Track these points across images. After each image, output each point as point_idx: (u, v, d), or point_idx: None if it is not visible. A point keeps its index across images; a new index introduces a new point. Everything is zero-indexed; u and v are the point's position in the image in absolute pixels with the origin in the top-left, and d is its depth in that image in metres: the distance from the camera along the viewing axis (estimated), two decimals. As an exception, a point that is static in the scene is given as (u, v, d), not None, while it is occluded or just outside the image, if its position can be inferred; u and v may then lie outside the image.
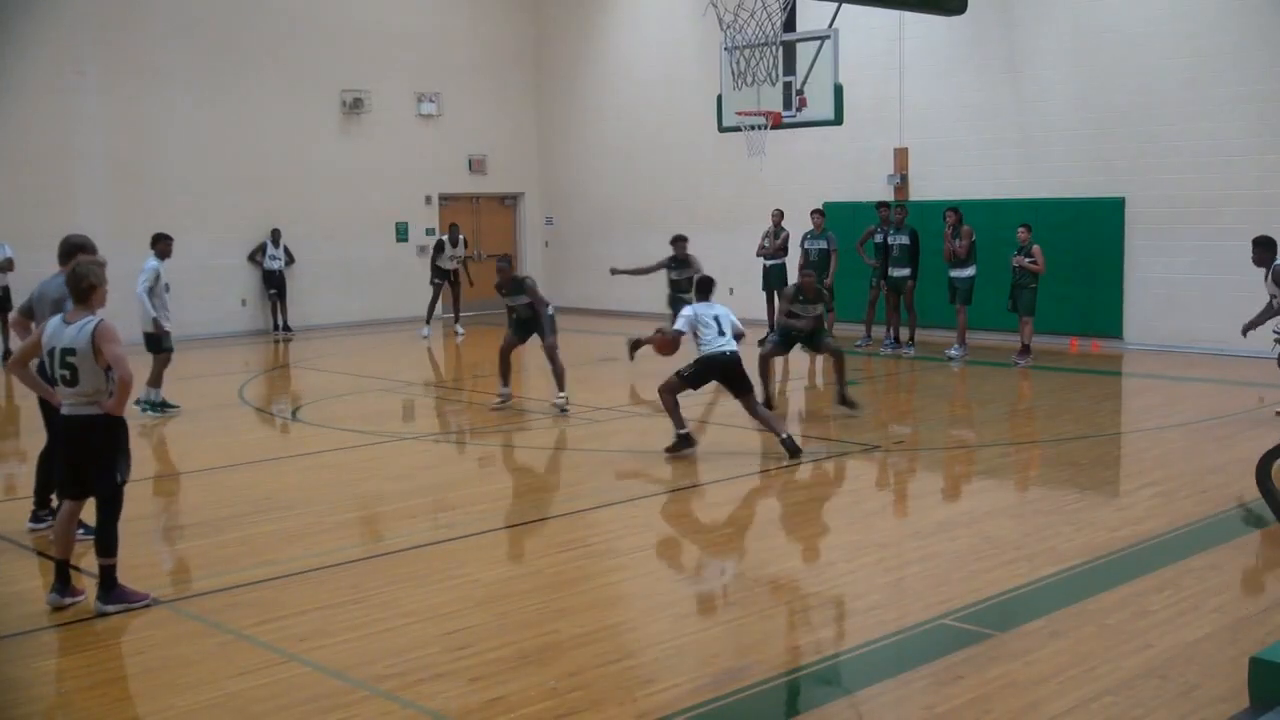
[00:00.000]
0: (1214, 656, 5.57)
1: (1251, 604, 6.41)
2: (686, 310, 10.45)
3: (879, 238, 16.81)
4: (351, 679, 5.51)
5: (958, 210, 15.91)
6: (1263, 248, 11.39)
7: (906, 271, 16.34)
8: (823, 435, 11.79)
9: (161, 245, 12.67)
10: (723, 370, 10.24)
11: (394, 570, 7.20)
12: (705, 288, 10.61)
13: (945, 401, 13.41)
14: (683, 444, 10.23)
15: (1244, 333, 11.63)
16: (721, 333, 10.21)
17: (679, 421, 10.25)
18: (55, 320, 6.54)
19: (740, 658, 5.74)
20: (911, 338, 16.56)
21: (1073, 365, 15.26)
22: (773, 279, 17.32)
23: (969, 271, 15.72)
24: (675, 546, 7.80)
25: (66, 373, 6.37)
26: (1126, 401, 13.23)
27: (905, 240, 16.33)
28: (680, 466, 10.01)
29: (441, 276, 19.91)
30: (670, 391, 10.32)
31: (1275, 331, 11.12)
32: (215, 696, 5.35)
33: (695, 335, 10.34)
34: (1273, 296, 11.30)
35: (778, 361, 13.61)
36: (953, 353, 15.89)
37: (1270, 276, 11.21)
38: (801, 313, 12.36)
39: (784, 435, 10.17)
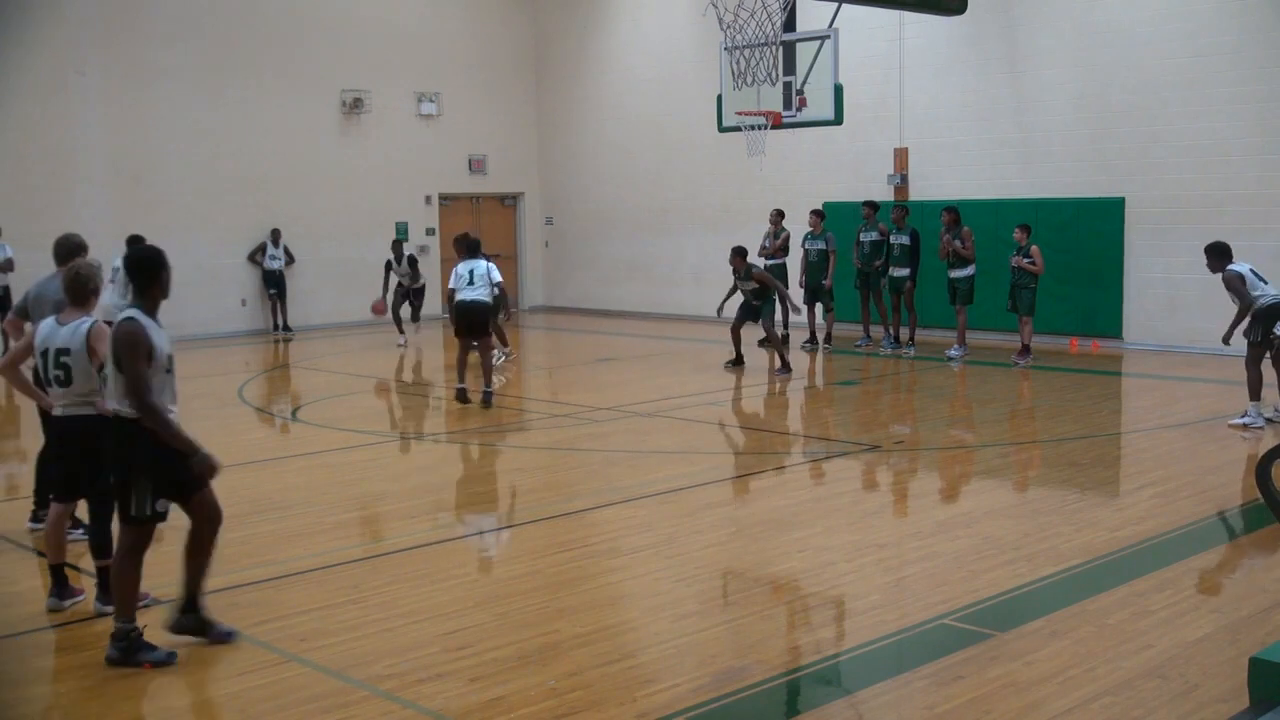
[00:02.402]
0: (1214, 656, 5.57)
1: (1251, 604, 6.41)
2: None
3: (863, 236, 16.81)
4: (351, 679, 5.51)
5: (953, 210, 15.91)
6: (1213, 255, 11.27)
7: (906, 271, 16.33)
8: (822, 435, 11.79)
9: None
10: (460, 313, 12.57)
11: (394, 570, 7.20)
12: (468, 246, 12.87)
13: (945, 401, 13.40)
14: (460, 396, 12.70)
15: (1225, 341, 11.46)
16: (471, 283, 12.47)
17: (460, 377, 12.84)
18: (48, 321, 6.51)
19: (740, 658, 5.73)
20: (911, 338, 16.56)
21: (1073, 365, 15.26)
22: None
23: (968, 271, 15.70)
24: (675, 546, 7.79)
25: (60, 373, 6.36)
26: (1126, 401, 13.23)
27: (906, 240, 16.32)
28: (680, 466, 10.01)
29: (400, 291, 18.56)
30: (460, 349, 12.86)
31: (1275, 334, 11.09)
32: (215, 696, 5.35)
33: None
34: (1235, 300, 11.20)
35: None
36: (953, 353, 15.89)
37: (1225, 283, 11.16)
38: (741, 287, 15.13)
39: (487, 389, 12.72)
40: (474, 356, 13.05)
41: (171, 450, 5.70)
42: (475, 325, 12.61)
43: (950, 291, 15.92)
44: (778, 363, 14.94)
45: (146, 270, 5.84)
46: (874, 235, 16.72)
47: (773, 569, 7.14)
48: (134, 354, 5.61)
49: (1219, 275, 11.21)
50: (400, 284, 18.50)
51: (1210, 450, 10.11)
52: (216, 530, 6.06)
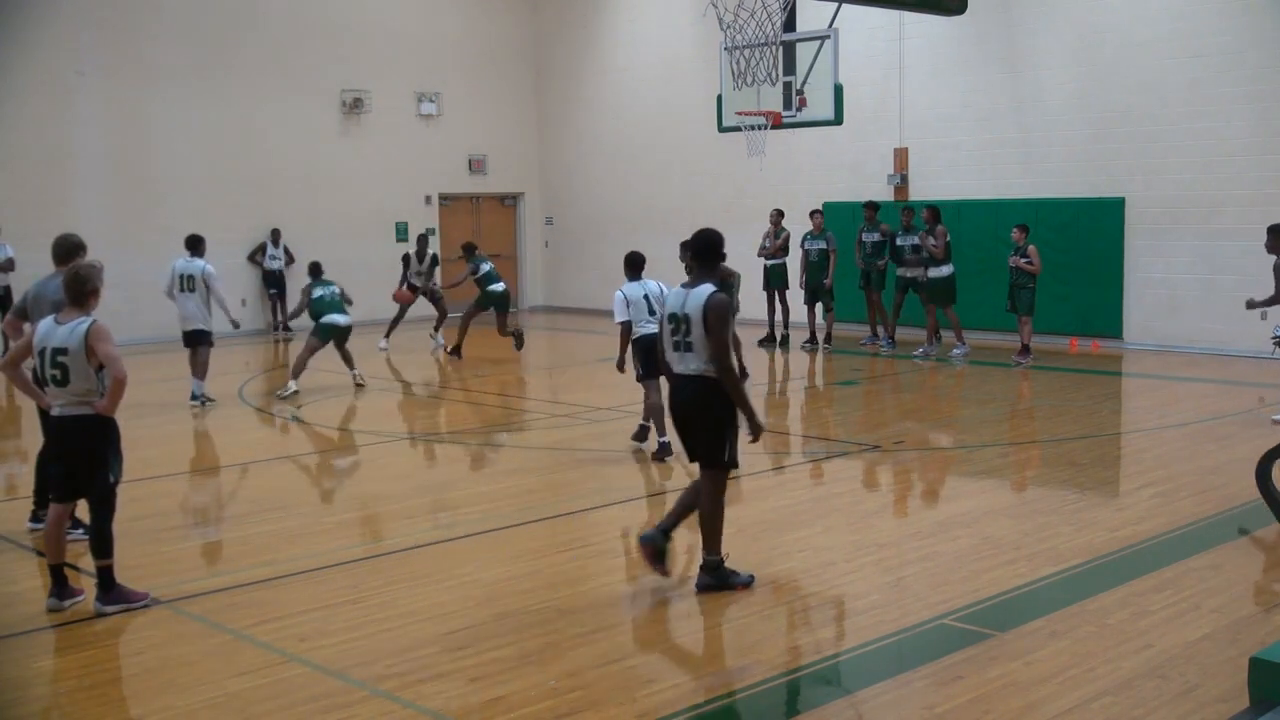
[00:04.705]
0: (1214, 656, 5.57)
1: (1251, 604, 6.41)
2: (618, 295, 10.26)
3: (865, 236, 16.85)
4: (351, 679, 5.51)
5: (933, 208, 15.99)
6: (1275, 235, 11.29)
7: (919, 271, 16.25)
8: (822, 435, 11.79)
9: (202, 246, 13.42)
10: (649, 351, 9.90)
11: (393, 570, 7.20)
12: (635, 264, 10.45)
13: (945, 401, 13.40)
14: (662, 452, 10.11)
15: (1249, 306, 11.54)
16: (651, 311, 10.06)
17: (660, 427, 10.17)
18: (47, 321, 6.50)
19: (740, 658, 5.73)
20: (935, 337, 16.41)
21: (1073, 365, 15.25)
22: (773, 279, 17.34)
23: (944, 271, 15.73)
24: (675, 546, 7.79)
25: (57, 373, 6.35)
26: (1126, 401, 13.22)
27: (915, 240, 16.27)
28: (680, 466, 10.00)
29: (414, 291, 18.18)
30: (648, 391, 10.23)
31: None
32: (215, 696, 5.35)
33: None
34: None
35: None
36: (955, 352, 15.89)
37: (1276, 267, 11.16)
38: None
39: (662, 439, 10.06)
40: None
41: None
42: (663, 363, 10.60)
43: (930, 291, 15.95)
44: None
45: (713, 249, 6.64)
46: (876, 236, 16.76)
47: (773, 569, 7.13)
48: (725, 322, 6.37)
49: (1274, 258, 11.21)
50: (413, 285, 18.04)
51: (1210, 450, 10.11)
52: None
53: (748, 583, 6.65)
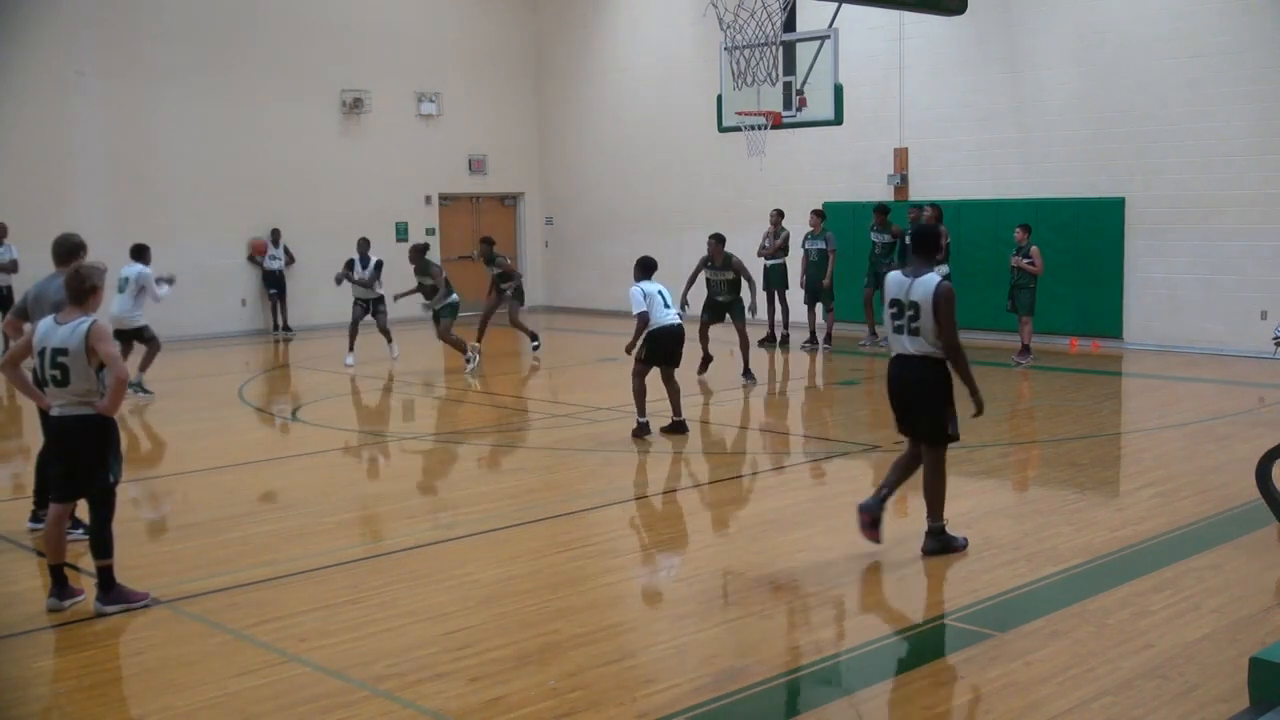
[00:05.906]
0: (1214, 656, 5.57)
1: (1251, 604, 6.40)
2: (635, 290, 10.97)
3: (875, 237, 16.88)
4: (351, 679, 5.51)
5: (936, 207, 16.03)
6: None
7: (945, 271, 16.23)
8: (822, 435, 11.79)
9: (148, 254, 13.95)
10: (671, 341, 10.95)
11: (393, 570, 7.20)
12: (647, 267, 11.21)
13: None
14: (642, 430, 10.93)
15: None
16: (667, 306, 10.97)
17: (642, 409, 10.98)
18: (47, 321, 6.48)
19: (740, 658, 5.73)
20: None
21: (1073, 365, 15.26)
22: (773, 279, 17.34)
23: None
24: (675, 546, 7.79)
25: (57, 373, 6.33)
26: (1126, 401, 13.23)
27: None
28: (680, 466, 10.01)
29: (363, 303, 16.72)
30: (638, 376, 11.01)
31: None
32: (215, 696, 5.35)
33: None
34: None
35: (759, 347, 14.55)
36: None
37: None
38: (713, 277, 14.05)
39: (679, 417, 11.05)
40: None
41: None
42: (678, 353, 11.09)
43: None
44: (741, 367, 14.11)
45: (935, 242, 7.44)
46: (886, 237, 16.80)
47: (773, 569, 7.13)
48: (952, 306, 6.94)
49: None
50: (356, 299, 16.68)
51: (1210, 450, 10.11)
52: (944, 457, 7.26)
53: (964, 546, 7.21)
